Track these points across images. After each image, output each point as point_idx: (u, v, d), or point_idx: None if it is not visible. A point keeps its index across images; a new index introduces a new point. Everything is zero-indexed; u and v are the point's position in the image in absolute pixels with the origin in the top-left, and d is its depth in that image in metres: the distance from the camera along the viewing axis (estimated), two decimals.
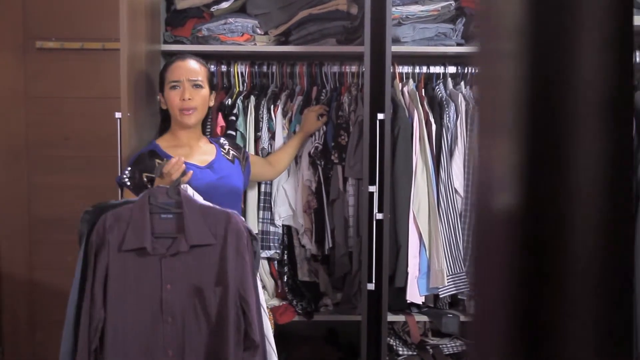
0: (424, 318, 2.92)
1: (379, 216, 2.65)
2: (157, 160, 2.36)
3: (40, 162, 3.48)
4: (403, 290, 2.80)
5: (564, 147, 0.51)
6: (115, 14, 2.43)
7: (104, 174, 2.78)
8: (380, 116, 2.62)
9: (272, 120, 2.88)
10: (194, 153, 2.46)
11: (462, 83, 2.92)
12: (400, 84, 2.92)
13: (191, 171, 2.23)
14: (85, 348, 2.01)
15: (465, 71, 2.95)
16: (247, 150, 2.77)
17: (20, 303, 3.53)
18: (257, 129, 2.87)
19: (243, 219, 2.20)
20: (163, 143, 2.46)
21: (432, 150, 2.78)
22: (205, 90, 2.48)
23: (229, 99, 2.92)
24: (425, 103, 2.85)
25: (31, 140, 3.48)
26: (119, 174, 2.38)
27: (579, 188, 0.51)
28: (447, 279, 2.76)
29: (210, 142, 2.58)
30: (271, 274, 2.96)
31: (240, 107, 2.87)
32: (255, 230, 2.83)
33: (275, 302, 2.93)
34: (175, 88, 2.44)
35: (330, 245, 2.84)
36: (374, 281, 2.65)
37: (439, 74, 2.96)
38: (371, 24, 2.62)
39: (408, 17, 2.87)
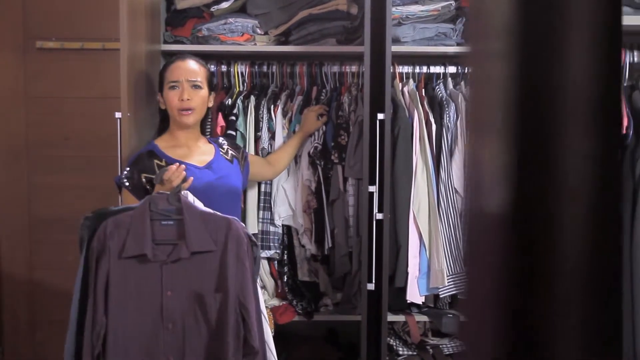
0: (424, 318, 2.92)
1: (379, 216, 2.64)
2: (156, 161, 2.36)
3: (40, 162, 3.48)
4: (403, 290, 2.80)
5: (553, 146, 0.51)
6: (115, 14, 2.44)
7: (104, 174, 2.77)
8: (380, 116, 2.62)
9: (272, 120, 2.88)
10: (192, 153, 2.47)
11: (463, 83, 2.92)
12: (400, 84, 2.92)
13: (191, 178, 2.23)
14: (89, 353, 2.02)
15: (466, 71, 2.94)
16: (246, 150, 2.78)
17: (20, 303, 3.53)
18: (257, 129, 2.87)
19: (243, 224, 2.20)
20: (162, 143, 2.46)
21: (432, 150, 2.78)
22: (204, 90, 2.48)
23: (229, 99, 2.92)
24: (425, 103, 2.85)
25: (31, 140, 3.48)
26: (119, 174, 2.38)
27: (568, 187, 0.50)
28: (447, 279, 2.76)
29: (209, 142, 2.57)
30: (271, 274, 2.96)
31: (240, 107, 2.87)
32: (255, 230, 2.83)
33: (275, 302, 2.93)
34: (174, 88, 2.44)
35: (330, 245, 2.84)
36: (374, 281, 2.65)
37: (439, 74, 2.96)
38: (371, 24, 2.62)
39: (408, 17, 2.86)
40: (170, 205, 2.10)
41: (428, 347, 2.98)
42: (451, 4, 2.91)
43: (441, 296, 2.88)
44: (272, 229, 2.88)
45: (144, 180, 2.33)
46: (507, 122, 0.53)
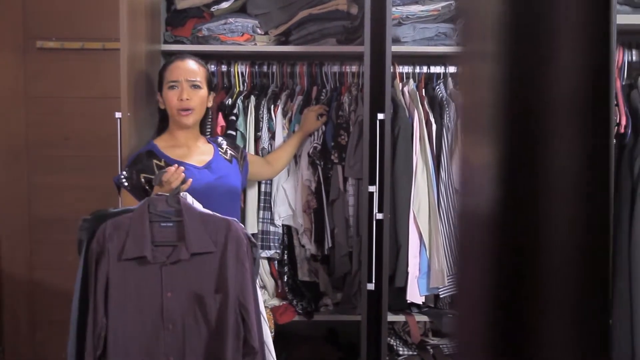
0: (425, 318, 2.91)
1: (379, 216, 2.64)
2: (155, 161, 2.36)
3: (40, 162, 3.48)
4: (403, 290, 2.80)
5: (542, 147, 0.50)
6: (115, 14, 2.44)
7: (104, 174, 2.77)
8: (380, 116, 2.62)
9: (272, 120, 2.88)
10: (191, 153, 2.46)
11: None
12: (400, 84, 2.92)
13: (190, 179, 2.23)
14: (91, 354, 2.03)
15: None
16: (246, 150, 2.77)
17: (20, 303, 3.53)
18: (257, 128, 2.87)
19: (243, 225, 2.20)
20: (161, 143, 2.46)
21: (433, 150, 2.77)
22: (204, 90, 2.48)
23: (229, 99, 2.92)
24: (425, 103, 2.85)
25: (31, 140, 3.48)
26: (118, 174, 2.38)
27: (557, 188, 0.50)
28: (448, 279, 2.76)
29: (208, 142, 2.57)
30: (271, 273, 2.96)
31: (241, 107, 2.87)
32: (255, 230, 2.83)
33: (276, 302, 2.93)
34: (173, 88, 2.44)
35: (330, 245, 2.84)
36: (374, 281, 2.65)
37: (439, 73, 2.95)
38: (371, 24, 2.62)
39: (408, 17, 2.86)
40: (170, 207, 2.10)
41: (428, 347, 2.98)
42: (451, 4, 2.90)
43: (441, 296, 2.87)
44: (272, 228, 2.88)
45: (143, 180, 2.33)
46: (496, 123, 0.52)
